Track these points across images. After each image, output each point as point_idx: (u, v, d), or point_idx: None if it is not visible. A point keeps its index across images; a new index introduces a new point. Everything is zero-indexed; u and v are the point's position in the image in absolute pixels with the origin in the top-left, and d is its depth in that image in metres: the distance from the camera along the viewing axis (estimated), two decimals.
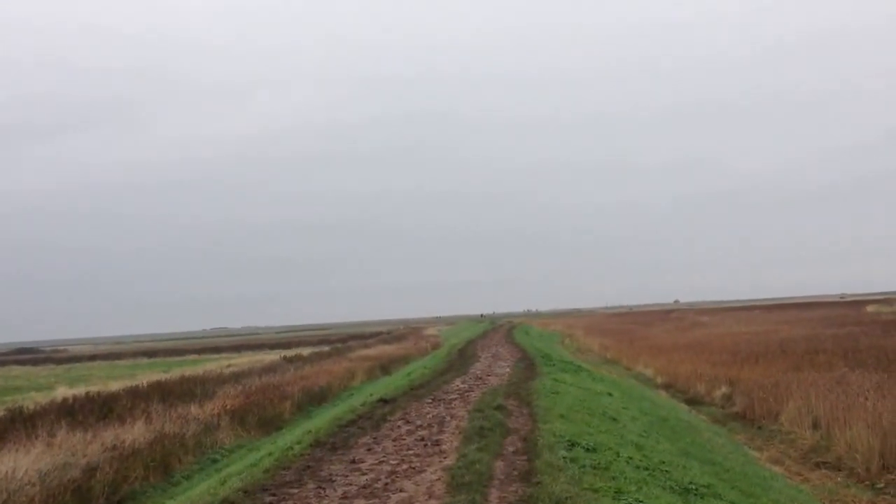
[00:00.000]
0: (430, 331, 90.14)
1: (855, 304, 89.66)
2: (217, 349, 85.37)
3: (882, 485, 12.12)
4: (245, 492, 8.11)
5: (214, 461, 16.15)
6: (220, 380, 29.98)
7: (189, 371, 40.77)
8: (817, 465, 13.92)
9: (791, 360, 25.13)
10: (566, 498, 6.90)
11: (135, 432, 16.82)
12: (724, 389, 21.96)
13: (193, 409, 20.35)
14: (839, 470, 13.37)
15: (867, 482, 12.41)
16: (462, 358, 29.23)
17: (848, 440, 13.82)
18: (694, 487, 8.82)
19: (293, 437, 13.32)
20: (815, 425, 15.69)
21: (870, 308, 71.92)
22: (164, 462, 15.02)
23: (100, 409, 20.68)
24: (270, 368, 35.81)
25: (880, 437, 13.07)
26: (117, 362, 72.43)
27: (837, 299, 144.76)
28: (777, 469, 13.71)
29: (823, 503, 11.37)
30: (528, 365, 23.55)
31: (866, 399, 15.27)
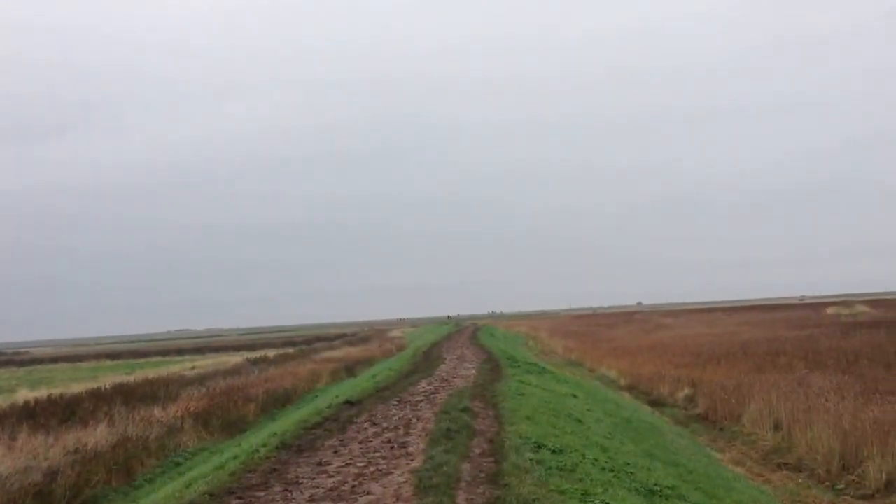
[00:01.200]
0: (395, 333, 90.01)
1: (815, 307, 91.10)
2: (181, 351, 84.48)
3: (842, 486, 12.34)
4: (211, 495, 8.04)
5: (178, 464, 15.99)
6: (184, 382, 29.72)
7: (152, 373, 40.28)
8: (779, 466, 14.12)
9: (753, 361, 25.49)
10: (533, 500, 6.94)
11: (97, 435, 16.63)
12: (686, 391, 22.20)
13: (157, 412, 20.16)
14: (800, 471, 13.58)
15: (828, 483, 12.63)
16: (427, 360, 29.22)
17: (809, 441, 14.04)
18: (658, 489, 8.91)
19: (258, 439, 13.22)
20: (777, 426, 15.92)
21: (829, 310, 73.12)
22: (126, 465, 14.85)
23: (62, 412, 20.42)
24: (235, 370, 35.57)
25: (840, 438, 13.30)
26: (80, 364, 71.33)
27: (798, 302, 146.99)
28: (739, 470, 13.89)
29: None
30: (493, 367, 23.60)
31: (827, 400, 15.54)
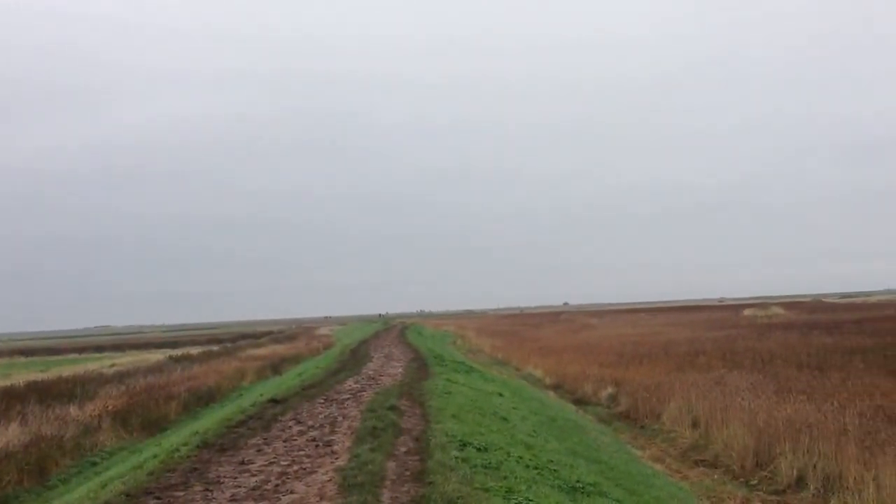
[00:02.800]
0: (323, 330, 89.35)
1: (733, 308, 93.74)
2: (99, 348, 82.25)
3: (756, 481, 12.72)
4: (127, 495, 7.84)
5: (94, 464, 15.59)
6: (102, 380, 28.98)
7: (69, 371, 39.10)
8: (696, 463, 14.48)
9: (673, 361, 26.08)
10: (458, 498, 6.97)
11: (9, 435, 16.13)
12: (610, 390, 22.57)
13: (73, 411, 19.65)
14: (716, 467, 13.95)
15: (742, 479, 13.00)
16: (355, 358, 29.07)
17: (725, 439, 14.44)
18: (581, 486, 9.06)
19: (179, 438, 12.96)
20: (695, 424, 16.32)
21: (746, 312, 75.29)
22: (39, 465, 14.41)
23: None
24: (156, 368, 34.84)
25: (755, 435, 13.72)
26: None
27: (717, 303, 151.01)
28: (658, 467, 14.19)
29: (701, 499, 11.83)
30: (420, 365, 23.63)
31: (742, 399, 16.01)
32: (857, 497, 10.37)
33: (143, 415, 19.73)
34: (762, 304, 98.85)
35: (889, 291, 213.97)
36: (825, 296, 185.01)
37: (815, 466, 11.89)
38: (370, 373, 21.35)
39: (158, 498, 7.68)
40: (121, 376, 30.42)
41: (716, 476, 13.43)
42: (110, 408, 20.00)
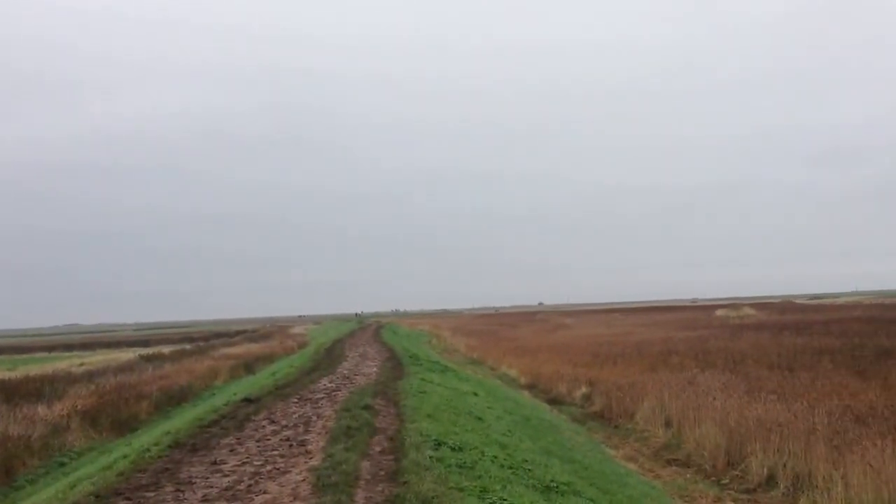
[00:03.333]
0: (297, 329, 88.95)
1: (706, 309, 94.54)
2: (69, 347, 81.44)
3: (727, 480, 12.82)
4: (97, 496, 7.75)
5: (62, 464, 15.41)
6: (72, 379, 28.67)
7: (37, 369, 38.62)
8: (668, 462, 14.57)
9: (647, 361, 26.22)
10: (432, 497, 6.96)
11: None
12: (584, 389, 22.66)
13: (41, 410, 19.42)
14: (688, 466, 14.05)
15: (714, 478, 13.10)
16: (329, 357, 28.98)
17: (697, 438, 14.55)
18: (555, 485, 9.08)
19: (150, 438, 12.84)
20: (668, 424, 16.43)
21: (719, 312, 75.98)
22: (6, 466, 14.24)
23: None
24: (127, 367, 34.53)
25: (727, 435, 13.83)
26: None
27: (690, 304, 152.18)
28: (631, 466, 14.26)
29: (674, 498, 11.91)
30: (395, 364, 23.59)
31: (714, 399, 16.12)
32: (825, 495, 10.48)
33: (114, 414, 19.53)
34: (734, 304, 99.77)
35: (857, 293, 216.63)
36: (795, 297, 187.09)
37: (785, 465, 12.01)
38: (345, 372, 21.29)
39: (129, 499, 7.59)
40: (90, 375, 30.13)
41: (688, 475, 13.52)
42: (79, 407, 19.77)
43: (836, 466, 10.98)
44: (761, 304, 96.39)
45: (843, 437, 12.23)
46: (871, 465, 10.33)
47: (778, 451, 12.45)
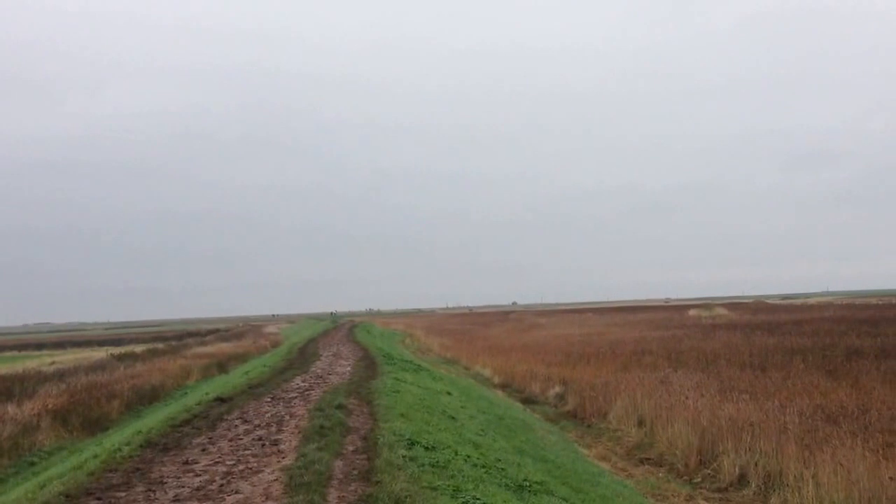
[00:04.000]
0: (271, 328, 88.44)
1: (678, 309, 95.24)
2: (39, 345, 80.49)
3: (699, 479, 12.91)
4: (67, 496, 7.65)
5: (32, 464, 15.20)
6: (42, 378, 28.29)
7: (7, 368, 38.09)
8: (641, 462, 14.65)
9: (620, 360, 26.36)
10: (405, 497, 6.94)
11: None
12: (557, 389, 22.73)
13: (10, 409, 19.14)
14: (661, 466, 14.13)
15: (686, 477, 13.19)
16: (303, 356, 28.86)
17: (669, 437, 14.65)
18: (528, 484, 9.10)
19: (122, 437, 12.70)
20: (641, 423, 16.52)
21: (691, 312, 76.63)
22: None
23: None
24: (98, 366, 34.14)
25: (699, 434, 13.93)
26: None
27: (663, 304, 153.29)
28: (604, 465, 14.33)
29: (646, 497, 11.97)
30: (369, 364, 23.53)
31: (687, 398, 16.24)
32: (796, 494, 10.59)
33: (85, 414, 19.31)
34: (706, 304, 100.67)
35: (828, 293, 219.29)
36: (767, 297, 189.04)
37: (756, 464, 12.12)
38: (318, 371, 21.21)
39: (99, 499, 7.51)
40: (61, 374, 29.76)
41: (660, 474, 13.61)
42: (50, 406, 19.52)
43: (806, 465, 11.09)
44: (734, 305, 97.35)
45: (813, 437, 12.37)
46: (841, 465, 10.45)
47: (749, 450, 12.56)
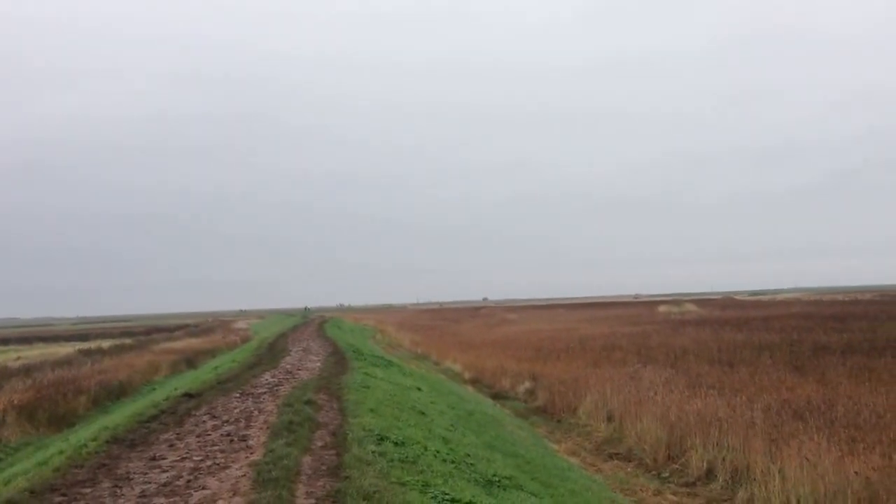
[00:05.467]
0: (240, 324, 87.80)
1: (648, 305, 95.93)
2: (5, 340, 79.23)
3: (667, 474, 13.02)
4: (32, 492, 7.52)
5: None
6: (7, 373, 27.96)
7: None
8: (610, 457, 14.75)
9: (590, 356, 26.52)
10: (374, 492, 6.91)
11: None
12: (527, 384, 22.82)
13: None
14: (630, 461, 14.23)
15: (654, 472, 13.30)
16: (272, 352, 28.66)
17: (638, 432, 14.75)
18: (497, 479, 9.11)
19: (88, 433, 12.54)
20: (610, 418, 16.62)
21: (661, 308, 77.19)
22: None
23: None
24: (65, 361, 33.76)
25: (667, 429, 14.05)
26: None
27: (632, 300, 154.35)
28: (574, 460, 14.40)
29: (615, 492, 12.04)
30: (339, 359, 23.43)
31: (656, 394, 16.37)
32: (763, 488, 10.70)
33: (51, 409, 19.08)
34: (676, 300, 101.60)
35: (796, 289, 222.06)
36: (736, 293, 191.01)
37: (724, 459, 12.24)
38: (288, 367, 21.07)
39: (64, 495, 7.39)
40: (27, 369, 29.40)
41: (629, 469, 13.70)
42: (16, 402, 19.26)
43: (773, 460, 11.22)
44: (703, 301, 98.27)
45: (780, 432, 12.52)
46: (807, 459, 10.58)
47: (717, 445, 12.69)
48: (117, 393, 23.41)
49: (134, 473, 8.19)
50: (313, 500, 6.83)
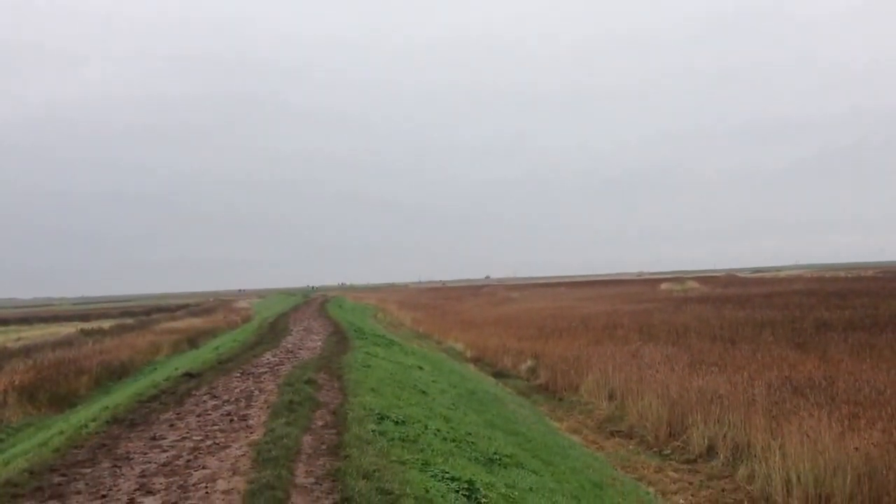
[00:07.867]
0: (242, 304, 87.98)
1: (651, 283, 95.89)
2: (5, 321, 79.35)
3: (668, 451, 13.03)
4: (31, 472, 7.51)
5: None
6: (8, 354, 28.00)
7: None
8: (612, 434, 14.76)
9: (592, 334, 26.47)
10: (374, 471, 6.90)
11: None
12: (529, 363, 22.82)
13: None
14: (631, 438, 14.24)
15: (656, 449, 13.31)
16: (273, 331, 28.69)
17: (639, 410, 14.75)
18: (498, 457, 9.10)
19: (89, 413, 12.55)
20: (612, 396, 16.62)
21: (663, 286, 77.14)
22: None
23: None
24: (66, 342, 33.82)
25: (668, 407, 14.04)
26: None
27: (635, 277, 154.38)
28: (575, 438, 14.41)
29: (616, 469, 12.05)
30: (340, 338, 23.44)
31: (657, 371, 16.35)
32: (763, 465, 10.70)
33: (52, 390, 19.12)
34: (678, 278, 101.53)
35: (798, 266, 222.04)
36: (738, 270, 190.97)
37: (725, 436, 12.24)
38: (288, 346, 21.08)
39: (64, 475, 7.38)
40: (28, 350, 29.46)
41: (630, 446, 13.71)
42: (17, 383, 19.30)
43: (774, 436, 11.20)
44: (705, 278, 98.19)
45: (781, 408, 12.49)
46: (808, 435, 10.56)
47: (718, 422, 12.68)
48: (119, 373, 23.46)
49: (134, 453, 8.18)
50: (313, 479, 6.81)
